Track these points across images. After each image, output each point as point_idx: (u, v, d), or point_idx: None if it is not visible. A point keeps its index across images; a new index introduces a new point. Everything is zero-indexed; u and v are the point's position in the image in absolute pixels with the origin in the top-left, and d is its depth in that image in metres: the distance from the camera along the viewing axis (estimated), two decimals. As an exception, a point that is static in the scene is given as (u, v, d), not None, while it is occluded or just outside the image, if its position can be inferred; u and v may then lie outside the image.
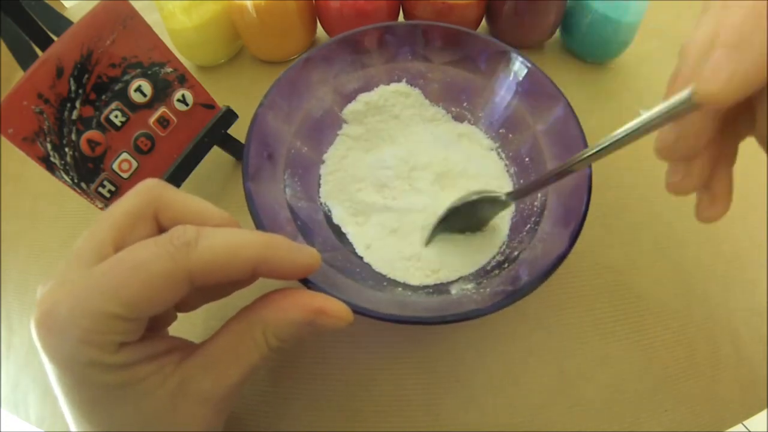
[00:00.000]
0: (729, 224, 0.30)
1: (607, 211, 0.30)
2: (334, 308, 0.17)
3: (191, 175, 0.28)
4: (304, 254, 0.17)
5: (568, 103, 0.26)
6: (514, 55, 0.28)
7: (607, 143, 0.17)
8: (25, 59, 0.23)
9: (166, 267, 0.15)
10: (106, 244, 0.16)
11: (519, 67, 0.28)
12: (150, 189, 0.17)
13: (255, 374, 0.17)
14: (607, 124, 0.33)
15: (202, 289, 0.17)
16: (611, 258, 0.28)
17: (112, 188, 0.25)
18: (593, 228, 0.29)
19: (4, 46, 0.23)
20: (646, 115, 0.15)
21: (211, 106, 0.28)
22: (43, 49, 0.23)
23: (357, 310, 0.19)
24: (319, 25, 0.38)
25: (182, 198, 0.18)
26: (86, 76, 0.23)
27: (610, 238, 0.29)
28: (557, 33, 0.38)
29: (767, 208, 0.30)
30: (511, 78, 0.29)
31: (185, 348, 0.17)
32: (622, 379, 0.24)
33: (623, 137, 0.17)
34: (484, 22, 0.38)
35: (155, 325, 0.18)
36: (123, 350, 0.15)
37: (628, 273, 0.28)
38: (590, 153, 0.19)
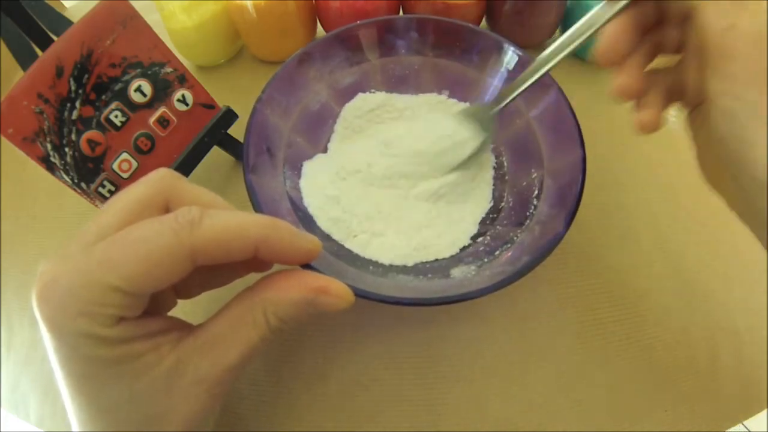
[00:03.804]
0: (729, 224, 0.30)
1: (607, 211, 0.30)
2: (336, 288, 0.17)
3: (191, 175, 0.28)
4: (306, 239, 0.18)
5: (560, 89, 0.26)
6: (505, 45, 0.29)
7: (554, 46, 0.23)
8: (25, 59, 0.23)
9: (168, 242, 0.15)
10: (112, 228, 0.16)
11: (510, 56, 0.29)
12: (162, 178, 0.17)
13: (253, 359, 0.17)
14: (607, 124, 0.33)
15: (204, 271, 0.17)
16: (611, 258, 0.28)
17: (112, 188, 0.25)
18: (593, 228, 0.29)
19: (4, 46, 0.23)
20: (582, 20, 0.21)
21: (211, 106, 0.28)
22: (43, 49, 0.23)
23: (358, 294, 0.19)
24: (319, 25, 0.38)
25: (193, 190, 0.18)
26: (86, 76, 0.23)
27: (610, 238, 0.29)
28: (557, 33, 0.38)
29: (767, 208, 0.30)
30: (503, 67, 0.29)
31: (183, 328, 0.17)
32: (622, 379, 0.24)
33: (568, 39, 0.22)
34: (484, 22, 0.38)
35: (155, 310, 0.18)
36: (120, 325, 0.15)
37: (628, 273, 0.28)
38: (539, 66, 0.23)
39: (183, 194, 0.17)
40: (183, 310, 0.19)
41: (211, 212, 0.16)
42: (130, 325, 0.15)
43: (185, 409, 0.16)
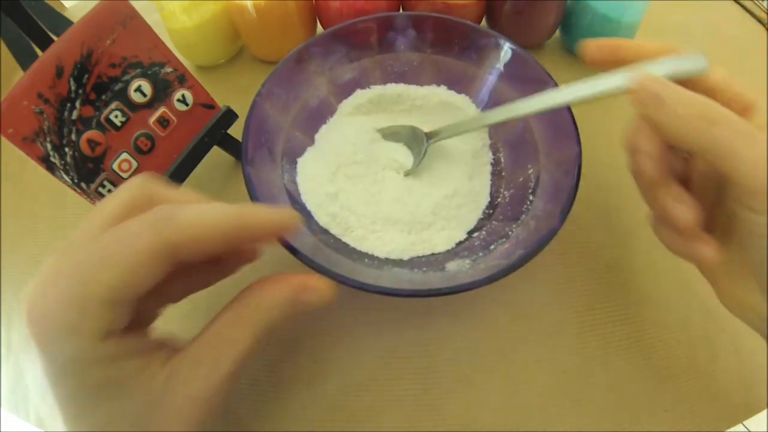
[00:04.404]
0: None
1: (608, 211, 0.30)
2: (314, 282, 0.17)
3: (191, 175, 0.28)
4: (282, 213, 0.18)
5: (557, 86, 0.26)
6: (502, 42, 0.29)
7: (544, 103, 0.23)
8: (25, 59, 0.23)
9: (149, 241, 0.15)
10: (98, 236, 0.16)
11: (508, 53, 0.29)
12: (143, 183, 0.17)
13: (245, 368, 0.17)
14: (606, 125, 0.33)
15: (190, 272, 0.17)
16: (611, 258, 0.28)
17: (112, 188, 0.25)
18: (593, 228, 0.29)
19: (4, 46, 0.23)
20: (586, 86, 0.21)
21: (211, 106, 0.28)
22: (43, 49, 0.23)
23: (353, 285, 0.19)
24: (319, 25, 0.38)
25: (176, 193, 0.18)
26: (86, 76, 0.23)
27: (610, 238, 0.29)
28: (557, 33, 0.38)
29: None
30: (501, 65, 0.30)
31: (175, 344, 0.17)
32: (622, 379, 0.24)
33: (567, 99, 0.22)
34: (484, 22, 0.38)
35: (139, 323, 0.17)
36: (109, 340, 0.15)
37: (628, 273, 0.28)
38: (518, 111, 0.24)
39: (166, 198, 0.17)
40: (183, 310, 0.19)
41: (184, 206, 0.16)
42: (119, 341, 0.15)
43: (180, 427, 0.16)
